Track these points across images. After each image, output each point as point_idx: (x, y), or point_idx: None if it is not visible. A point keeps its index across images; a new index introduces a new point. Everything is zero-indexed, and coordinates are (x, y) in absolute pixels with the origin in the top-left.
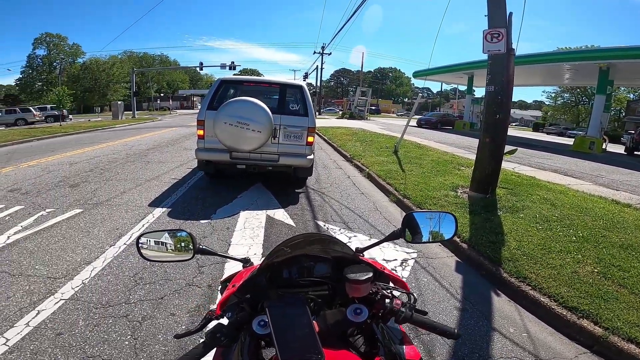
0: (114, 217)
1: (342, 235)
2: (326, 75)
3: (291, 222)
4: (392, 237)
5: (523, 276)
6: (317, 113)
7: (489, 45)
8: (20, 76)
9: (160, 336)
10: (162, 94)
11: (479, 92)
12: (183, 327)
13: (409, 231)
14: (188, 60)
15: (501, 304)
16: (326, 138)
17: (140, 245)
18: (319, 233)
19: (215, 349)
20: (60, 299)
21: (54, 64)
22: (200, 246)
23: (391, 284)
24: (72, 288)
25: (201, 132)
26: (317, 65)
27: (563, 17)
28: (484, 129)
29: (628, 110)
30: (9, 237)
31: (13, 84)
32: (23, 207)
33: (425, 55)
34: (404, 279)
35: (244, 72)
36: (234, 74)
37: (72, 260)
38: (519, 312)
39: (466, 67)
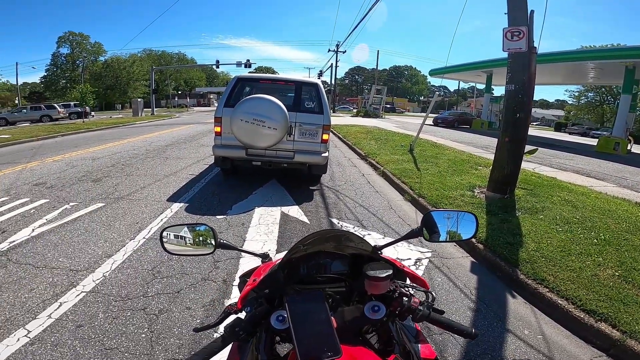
0: (134, 211)
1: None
2: (341, 73)
3: (305, 219)
4: (410, 236)
5: (541, 278)
6: (331, 111)
7: (509, 44)
8: (45, 74)
9: (175, 330)
10: (179, 92)
11: (498, 90)
12: (198, 321)
13: (427, 230)
14: (205, 58)
15: (517, 305)
16: (341, 136)
17: (163, 238)
18: (337, 229)
19: (232, 343)
20: (82, 292)
21: (77, 62)
22: (221, 240)
23: (409, 282)
24: (93, 281)
25: (218, 129)
26: (332, 64)
27: (587, 15)
28: (504, 128)
29: None
30: (33, 229)
31: (38, 81)
32: (48, 200)
33: (442, 53)
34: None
35: (259, 70)
36: (250, 72)
37: (94, 253)
38: (534, 315)
39: (485, 65)
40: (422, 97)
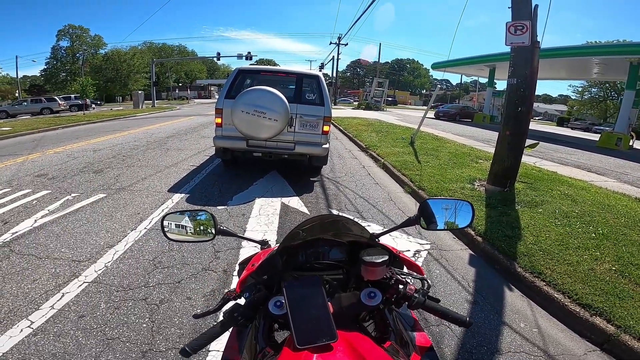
0: (136, 202)
1: None
2: (342, 66)
3: (305, 210)
4: (407, 224)
5: (538, 271)
6: (332, 104)
7: (512, 38)
8: (45, 67)
9: (176, 319)
10: (180, 84)
11: (501, 84)
12: (198, 310)
13: (424, 218)
14: (206, 51)
15: (513, 298)
16: (342, 128)
17: (164, 226)
18: (336, 215)
19: (231, 329)
20: (84, 282)
21: (77, 55)
22: (221, 227)
23: (406, 269)
24: (95, 271)
25: (219, 121)
26: (333, 56)
27: (591, 11)
28: (505, 122)
29: None
30: (35, 220)
31: (38, 74)
32: (50, 191)
33: (444, 47)
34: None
35: (261, 62)
36: (251, 64)
37: (95, 243)
38: (531, 308)
39: (488, 59)
40: (424, 91)
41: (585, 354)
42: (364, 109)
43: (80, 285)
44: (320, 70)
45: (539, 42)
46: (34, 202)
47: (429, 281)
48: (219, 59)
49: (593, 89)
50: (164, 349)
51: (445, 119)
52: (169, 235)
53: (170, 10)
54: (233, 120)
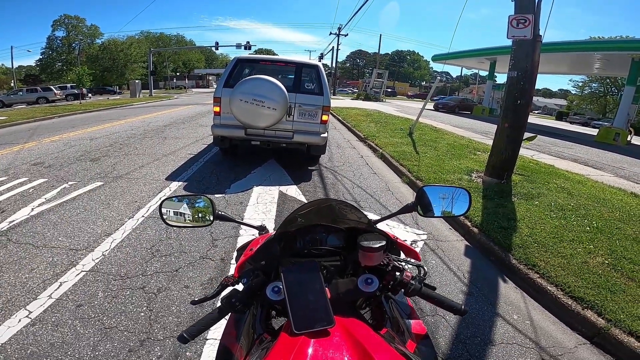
0: (133, 190)
1: None
2: (342, 57)
3: (303, 199)
4: (405, 210)
5: (532, 263)
6: (331, 94)
7: (514, 31)
8: (41, 57)
9: (174, 308)
10: (178, 73)
11: (501, 78)
12: (196, 298)
13: (422, 205)
14: (204, 40)
15: (507, 290)
16: (340, 118)
17: (162, 212)
18: (333, 199)
19: (228, 315)
20: (82, 271)
21: (73, 45)
22: (219, 212)
23: (403, 255)
24: (93, 260)
25: (217, 109)
26: (333, 47)
27: (595, 7)
28: (504, 114)
29: None
30: (33, 209)
31: (33, 64)
32: (46, 180)
33: (444, 40)
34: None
35: (259, 52)
36: (249, 54)
37: (93, 232)
38: (524, 300)
39: (489, 52)
40: (424, 83)
41: (576, 347)
42: (363, 100)
43: (77, 274)
44: (319, 61)
45: (540, 36)
46: (30, 191)
47: (426, 268)
48: (217, 49)
49: (594, 84)
50: (162, 338)
51: (444, 111)
52: (167, 220)
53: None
54: (231, 109)
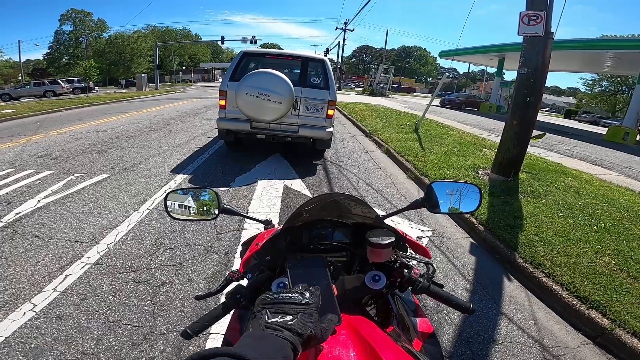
0: (138, 182)
1: None
2: (348, 52)
3: (308, 193)
4: (414, 206)
5: (538, 262)
6: (337, 89)
7: (525, 28)
8: (48, 51)
9: (177, 302)
10: (184, 67)
11: (509, 75)
12: (200, 293)
13: (431, 201)
14: (210, 34)
15: (512, 289)
16: (346, 113)
17: (167, 205)
18: (340, 194)
19: (232, 311)
20: (87, 263)
21: (80, 39)
22: (225, 205)
23: (410, 252)
24: (98, 252)
25: (223, 102)
26: (339, 42)
27: (606, 3)
28: (512, 111)
29: None
30: (39, 200)
31: (40, 58)
32: (53, 172)
33: (451, 36)
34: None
35: (265, 46)
36: (255, 48)
37: (98, 224)
38: (528, 299)
39: (497, 48)
40: (431, 79)
41: (579, 347)
42: (368, 95)
43: (82, 267)
44: (325, 56)
45: (552, 33)
46: (37, 183)
47: (434, 265)
48: (223, 43)
49: (604, 82)
50: (165, 332)
51: (450, 107)
52: (172, 213)
53: None
54: (237, 103)
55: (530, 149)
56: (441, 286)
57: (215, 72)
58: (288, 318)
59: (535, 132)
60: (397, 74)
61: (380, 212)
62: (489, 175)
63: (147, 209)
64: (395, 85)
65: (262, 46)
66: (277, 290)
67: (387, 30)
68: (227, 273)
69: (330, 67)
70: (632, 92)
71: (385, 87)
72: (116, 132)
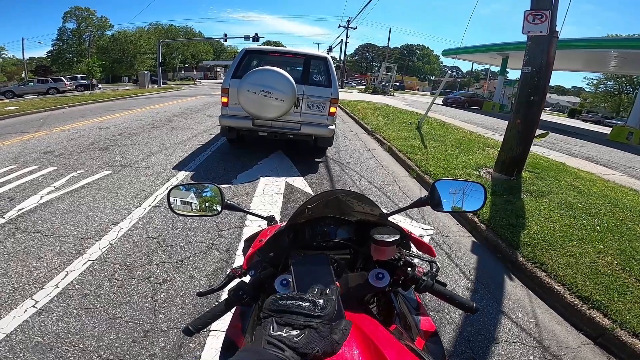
0: (141, 179)
1: None
2: (350, 50)
3: (309, 191)
4: (418, 204)
5: (539, 262)
6: (340, 87)
7: (529, 26)
8: (52, 48)
9: (178, 299)
10: (186, 65)
11: (513, 74)
12: (201, 290)
13: (435, 199)
14: (212, 32)
15: (513, 288)
16: (348, 111)
17: (170, 200)
18: (345, 190)
19: (234, 308)
20: (88, 260)
21: (83, 36)
22: (228, 201)
23: (414, 250)
24: (100, 249)
25: (225, 100)
26: (342, 40)
27: (611, 3)
28: (516, 110)
29: None
30: (41, 197)
31: (44, 55)
32: (56, 168)
33: (454, 34)
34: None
35: (267, 44)
36: (258, 46)
37: (100, 220)
38: (530, 298)
39: (501, 47)
40: (434, 77)
41: (579, 347)
42: (371, 93)
43: (84, 264)
44: (328, 54)
45: (557, 32)
46: (40, 179)
47: (438, 264)
48: (225, 41)
49: (609, 82)
50: (166, 329)
51: (453, 106)
52: (174, 209)
53: None
54: (239, 100)
55: (534, 148)
56: (444, 285)
57: (218, 69)
58: (294, 333)
59: (538, 131)
60: (400, 72)
61: (382, 210)
62: (491, 174)
63: (149, 205)
64: (397, 84)
65: (264, 44)
66: (288, 294)
67: (390, 29)
68: (229, 270)
69: (333, 65)
70: (637, 92)
71: (387, 85)
72: (119, 129)
